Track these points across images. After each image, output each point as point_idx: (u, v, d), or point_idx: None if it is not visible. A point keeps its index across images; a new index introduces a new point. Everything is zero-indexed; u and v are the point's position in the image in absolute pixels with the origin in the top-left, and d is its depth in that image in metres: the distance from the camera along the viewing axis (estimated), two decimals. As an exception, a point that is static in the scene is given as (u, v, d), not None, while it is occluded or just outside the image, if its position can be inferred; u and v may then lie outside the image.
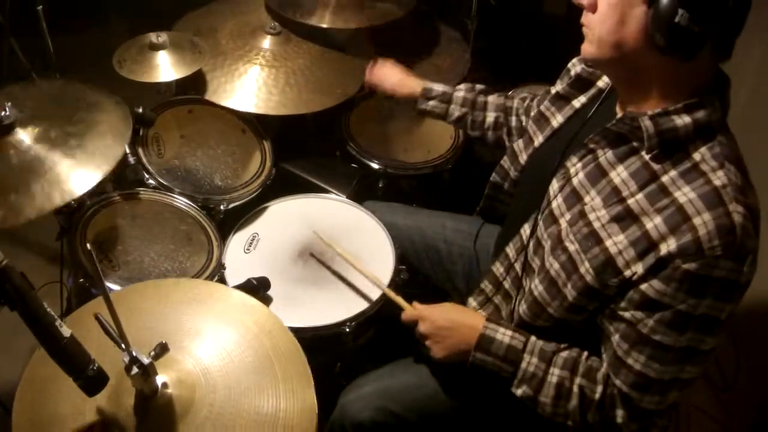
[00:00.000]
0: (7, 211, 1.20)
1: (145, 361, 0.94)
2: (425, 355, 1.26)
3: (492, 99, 1.58)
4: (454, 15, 2.30)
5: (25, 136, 1.30)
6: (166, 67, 1.64)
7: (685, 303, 0.98)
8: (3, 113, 1.28)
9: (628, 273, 1.02)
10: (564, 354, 1.15)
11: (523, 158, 1.39)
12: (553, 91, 1.36)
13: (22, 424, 0.99)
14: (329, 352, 1.47)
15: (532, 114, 1.42)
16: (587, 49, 1.06)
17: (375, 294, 1.47)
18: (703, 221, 0.95)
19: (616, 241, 1.03)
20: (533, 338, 1.17)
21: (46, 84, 1.43)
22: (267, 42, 1.85)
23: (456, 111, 1.58)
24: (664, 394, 1.06)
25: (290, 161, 1.84)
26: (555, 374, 1.13)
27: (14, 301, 0.82)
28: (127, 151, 1.54)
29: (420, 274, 1.61)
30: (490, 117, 1.57)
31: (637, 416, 1.08)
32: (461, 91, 1.59)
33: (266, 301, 1.43)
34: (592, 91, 1.28)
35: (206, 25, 1.90)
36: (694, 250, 0.95)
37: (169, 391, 1.01)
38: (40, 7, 1.89)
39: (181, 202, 1.59)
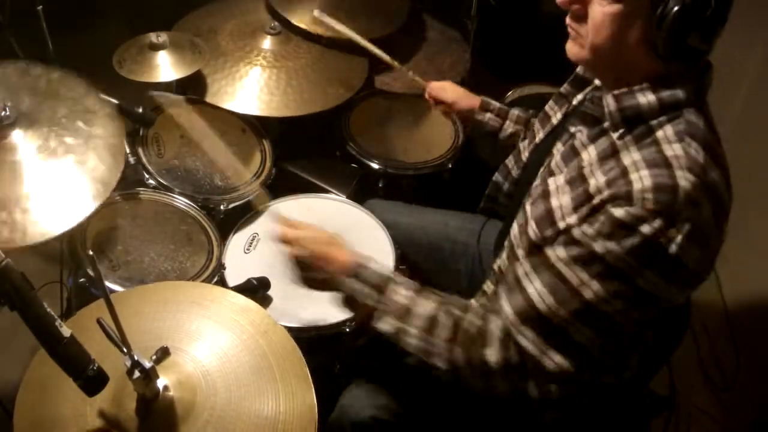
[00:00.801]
0: (11, 230, 1.20)
1: (147, 365, 0.94)
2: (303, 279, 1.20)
3: None
4: (454, 15, 2.30)
5: (25, 140, 1.30)
6: (166, 67, 1.64)
7: (602, 246, 0.94)
8: (3, 113, 1.28)
9: (562, 225, 1.01)
10: (433, 292, 1.12)
11: (525, 156, 1.40)
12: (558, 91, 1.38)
13: (23, 426, 0.99)
14: (329, 352, 1.47)
15: (539, 115, 1.43)
16: (579, 53, 1.05)
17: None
18: (639, 176, 0.93)
19: (561, 199, 1.04)
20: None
21: (42, 74, 1.42)
22: (267, 42, 1.85)
23: (510, 127, 1.59)
24: (545, 338, 1.01)
25: (290, 161, 1.84)
26: (425, 306, 1.09)
27: (14, 301, 0.83)
28: (127, 151, 1.54)
29: (422, 274, 1.60)
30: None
31: (509, 358, 1.02)
32: (516, 110, 1.61)
33: (266, 301, 1.43)
34: (589, 88, 1.29)
35: (206, 26, 1.90)
36: (624, 196, 0.93)
37: (171, 393, 1.01)
38: (40, 7, 1.89)
39: (181, 202, 1.59)
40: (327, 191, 1.76)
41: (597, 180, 0.99)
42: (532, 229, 1.06)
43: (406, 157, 1.93)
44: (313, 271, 1.17)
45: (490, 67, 2.66)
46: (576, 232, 0.98)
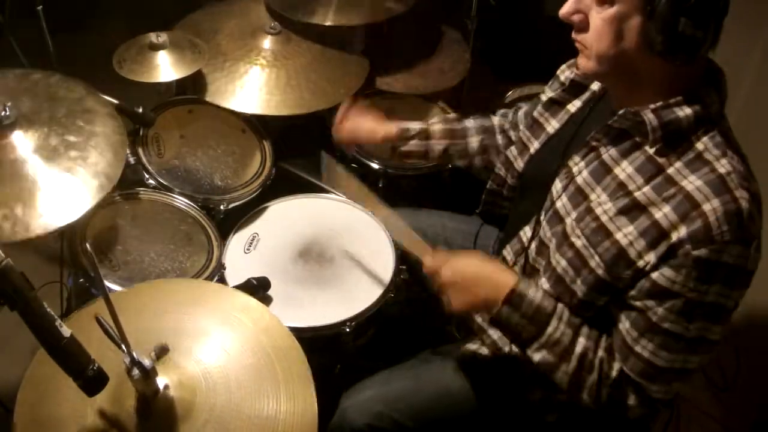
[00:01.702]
0: (13, 224, 1.20)
1: (147, 363, 0.94)
2: (445, 303, 1.18)
3: (470, 123, 1.54)
4: (454, 15, 2.30)
5: (26, 140, 1.29)
6: (166, 67, 1.64)
7: (695, 291, 0.99)
8: (3, 113, 1.28)
9: (641, 263, 1.02)
10: (587, 327, 1.12)
11: (519, 165, 1.38)
12: (544, 97, 1.35)
13: (23, 425, 0.99)
14: (329, 353, 1.47)
15: (525, 121, 1.41)
16: (586, 65, 1.06)
17: (375, 294, 1.47)
18: (712, 207, 0.96)
19: (626, 233, 1.04)
20: (561, 305, 1.12)
21: (42, 78, 1.42)
22: (267, 42, 1.85)
23: (437, 146, 1.53)
24: (670, 383, 1.07)
25: (290, 161, 1.84)
26: (581, 344, 1.10)
27: (14, 301, 0.82)
28: (128, 151, 1.54)
29: (419, 275, 1.60)
30: (474, 142, 1.52)
31: (644, 402, 1.09)
32: (437, 124, 1.54)
33: (266, 301, 1.43)
34: (587, 94, 1.28)
35: (206, 26, 1.90)
36: (705, 236, 0.96)
37: (171, 393, 1.01)
38: (40, 7, 1.89)
39: (181, 202, 1.59)
40: (327, 191, 1.76)
41: (662, 210, 1.00)
42: (602, 270, 1.06)
43: (406, 157, 1.93)
44: (464, 293, 1.15)
45: (490, 67, 2.66)
46: (661, 280, 1.01)
